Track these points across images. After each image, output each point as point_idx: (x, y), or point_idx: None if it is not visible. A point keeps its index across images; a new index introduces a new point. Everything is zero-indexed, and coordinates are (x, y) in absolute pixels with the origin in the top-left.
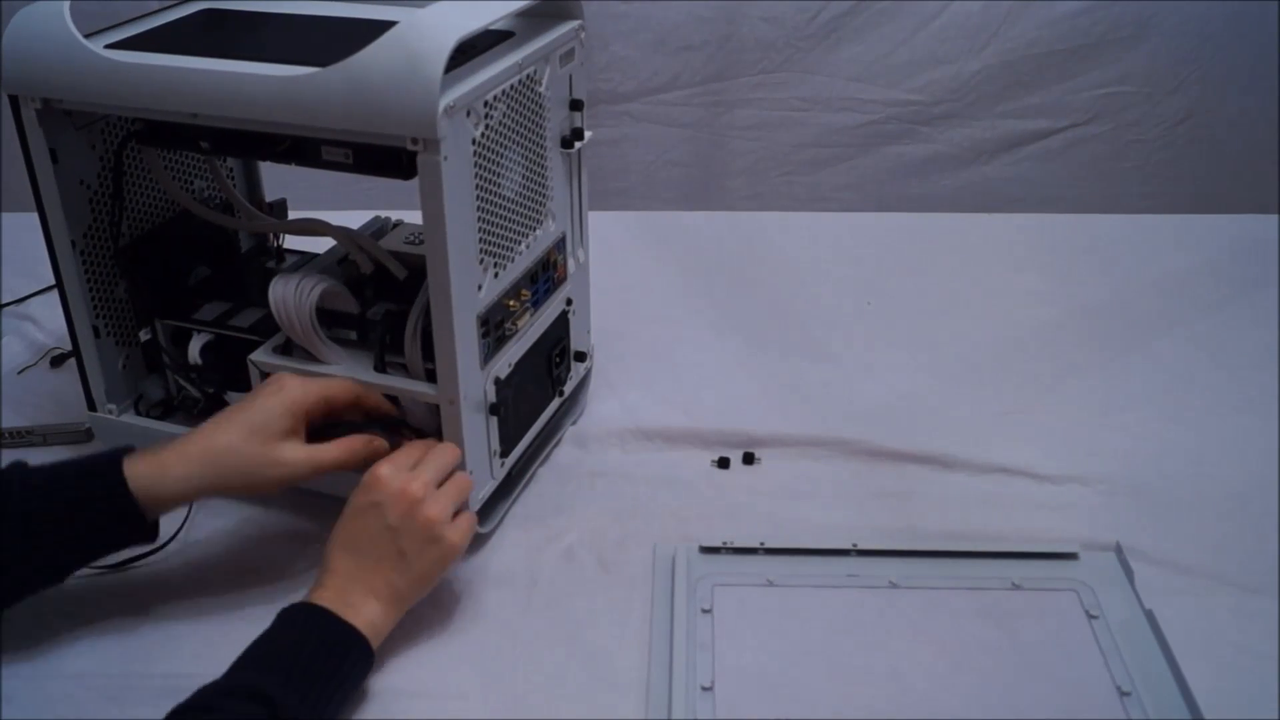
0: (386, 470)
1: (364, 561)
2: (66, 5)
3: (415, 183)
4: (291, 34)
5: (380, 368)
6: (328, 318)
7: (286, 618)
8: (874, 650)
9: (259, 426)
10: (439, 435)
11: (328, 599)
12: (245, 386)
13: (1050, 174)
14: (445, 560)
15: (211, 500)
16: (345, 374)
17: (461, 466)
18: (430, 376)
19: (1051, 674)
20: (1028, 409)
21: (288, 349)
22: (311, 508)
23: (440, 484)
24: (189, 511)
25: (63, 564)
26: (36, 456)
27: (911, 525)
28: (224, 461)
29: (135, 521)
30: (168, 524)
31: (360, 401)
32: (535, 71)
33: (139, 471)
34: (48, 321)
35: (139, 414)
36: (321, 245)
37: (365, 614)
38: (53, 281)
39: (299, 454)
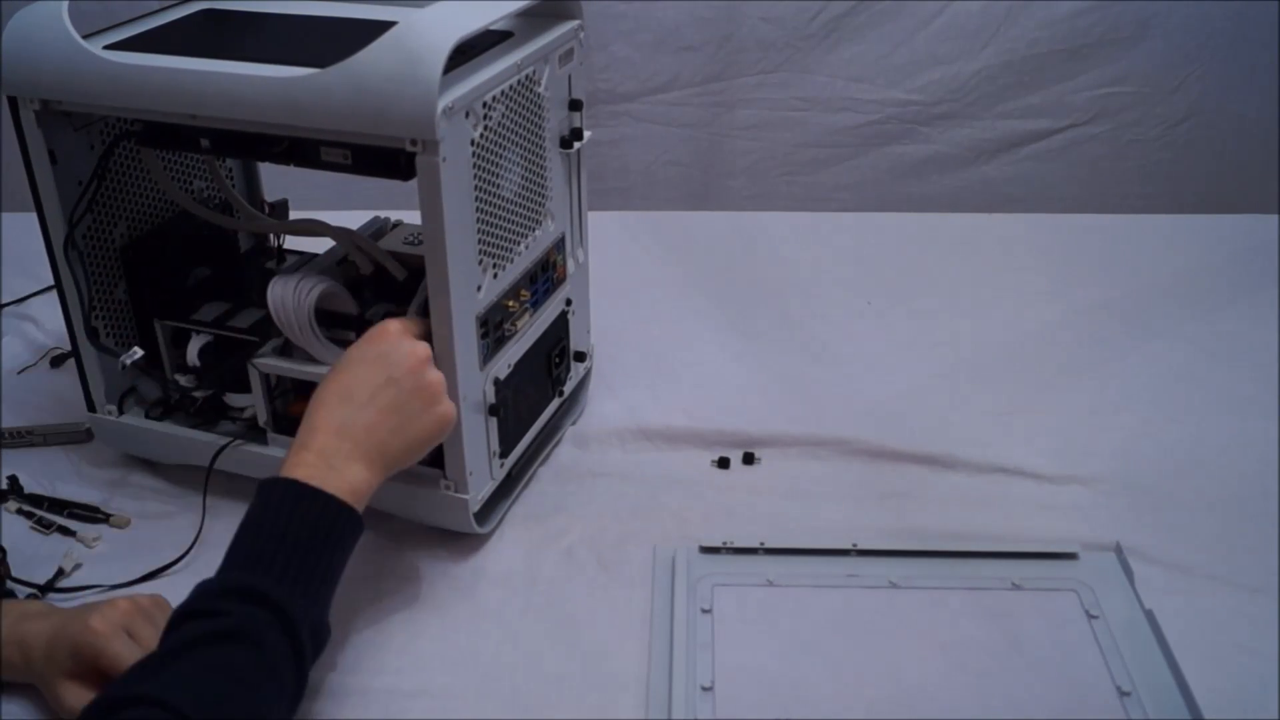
0: (397, 326)
1: (359, 415)
2: (65, 6)
3: (414, 183)
4: (291, 34)
5: None
6: (327, 319)
7: (270, 497)
8: (874, 650)
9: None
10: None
11: (309, 466)
12: (244, 387)
13: (1050, 174)
14: (441, 428)
15: (223, 506)
16: None
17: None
18: None
19: (1051, 674)
20: (1028, 409)
21: (287, 350)
22: None
23: None
24: (199, 530)
25: None
26: (36, 457)
27: (911, 525)
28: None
29: None
30: (179, 540)
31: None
32: (534, 72)
33: None
34: (48, 321)
35: (121, 413)
36: (321, 245)
37: (349, 478)
38: (53, 281)
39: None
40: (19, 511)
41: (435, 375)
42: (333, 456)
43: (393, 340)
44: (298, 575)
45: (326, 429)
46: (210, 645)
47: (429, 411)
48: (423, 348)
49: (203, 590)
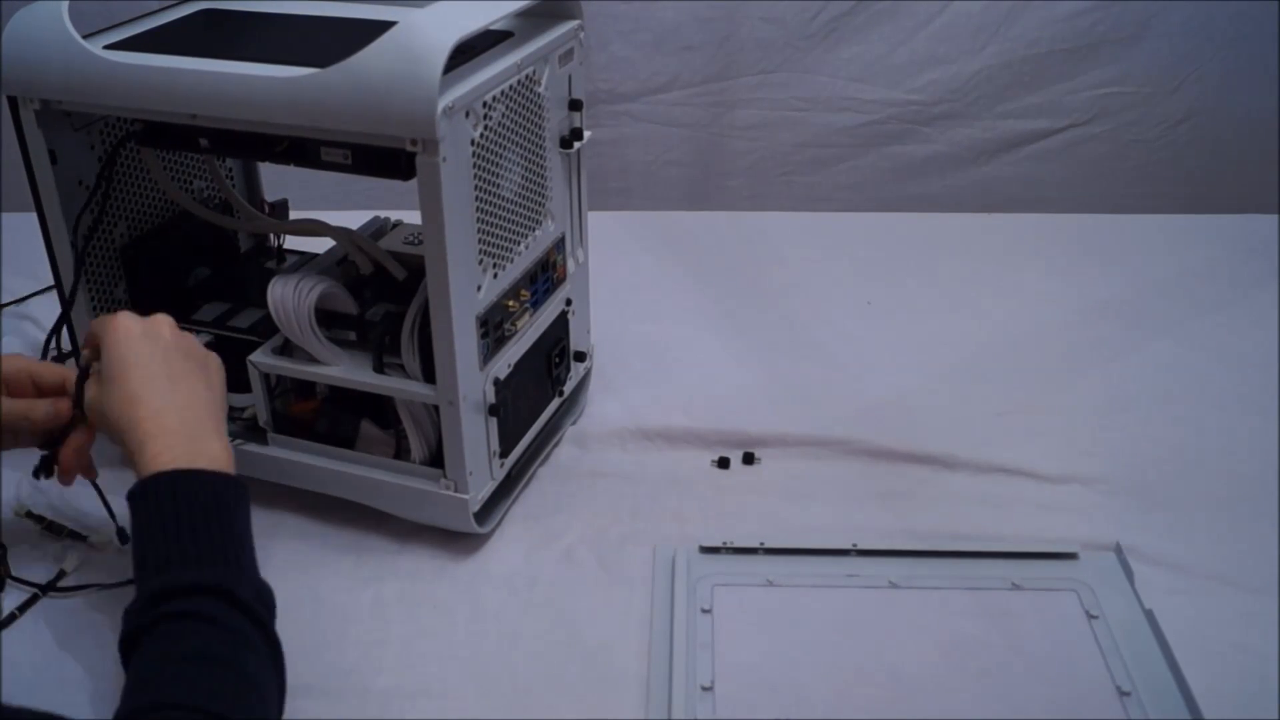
0: (128, 318)
1: (176, 399)
2: (65, 6)
3: (414, 183)
4: (291, 34)
5: (379, 369)
6: (327, 319)
7: (153, 496)
8: (874, 650)
9: None
10: (438, 435)
11: (173, 452)
12: (245, 388)
13: (1050, 174)
14: (220, 369)
15: None
16: (344, 375)
17: None
18: (428, 377)
19: (1051, 674)
20: (1028, 409)
21: (287, 350)
22: (317, 507)
23: None
24: None
25: None
26: (36, 456)
27: (911, 525)
28: None
29: None
30: None
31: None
32: (534, 72)
33: None
34: (48, 321)
35: None
36: (322, 245)
37: (213, 451)
38: (53, 281)
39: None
40: (28, 515)
41: (185, 334)
42: (194, 440)
43: (139, 327)
44: (214, 556)
45: (165, 422)
46: (178, 642)
47: (208, 362)
48: (162, 317)
49: (135, 610)
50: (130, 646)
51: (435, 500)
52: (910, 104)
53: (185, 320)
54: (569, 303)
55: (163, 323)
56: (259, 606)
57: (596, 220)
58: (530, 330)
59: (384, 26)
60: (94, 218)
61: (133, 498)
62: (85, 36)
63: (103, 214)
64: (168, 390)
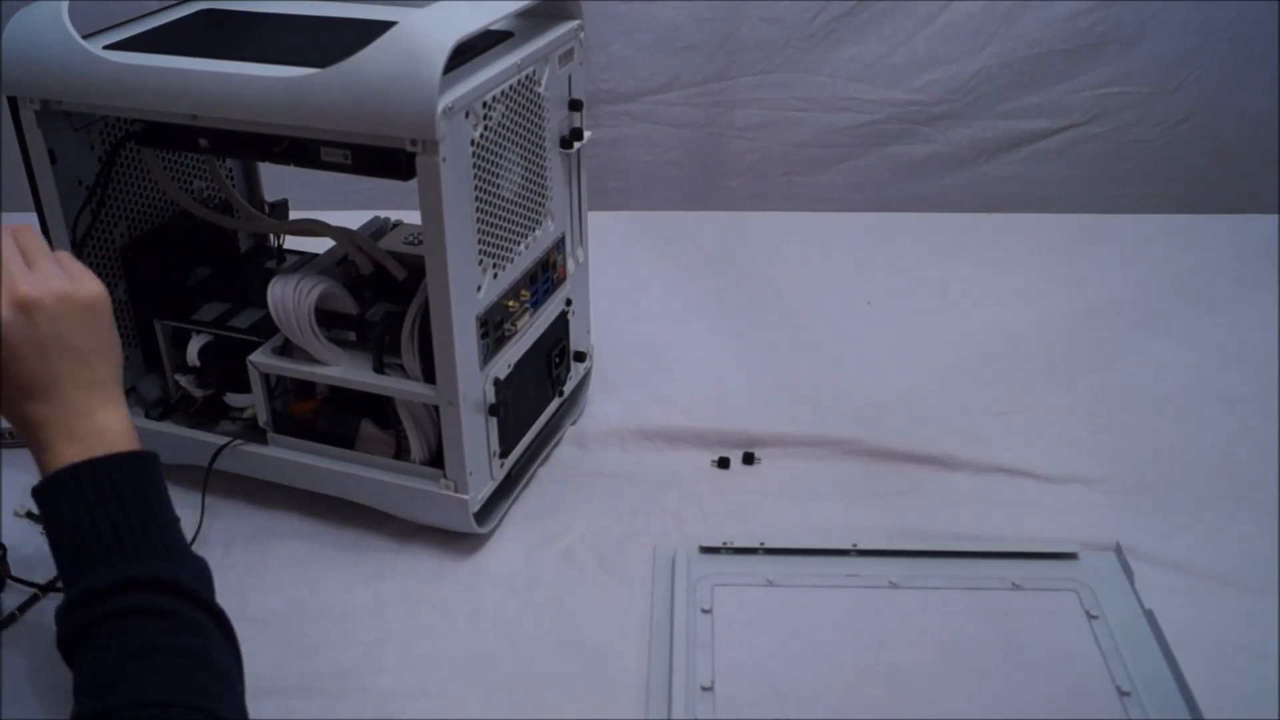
0: (28, 287)
1: (75, 378)
2: (65, 6)
3: (414, 183)
4: (291, 34)
5: (379, 369)
6: (327, 319)
7: (64, 494)
8: (874, 650)
9: None
10: (438, 433)
11: (82, 447)
12: (245, 388)
13: (1050, 174)
14: (108, 316)
15: (222, 506)
16: (344, 375)
17: None
18: (428, 377)
19: (1051, 674)
20: (1028, 409)
21: (287, 350)
22: (317, 507)
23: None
24: (197, 530)
25: None
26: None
27: (911, 525)
28: None
29: None
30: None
31: None
32: (534, 72)
33: None
34: None
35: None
36: (322, 246)
37: (114, 428)
38: None
39: None
40: (29, 515)
41: (81, 289)
42: (92, 430)
43: (41, 301)
44: (146, 543)
45: (65, 421)
46: (134, 638)
47: (99, 320)
48: (58, 280)
49: (72, 609)
50: (72, 647)
51: (435, 500)
52: (910, 104)
53: (185, 320)
54: (569, 303)
55: (48, 282)
56: (202, 588)
57: (596, 220)
58: (530, 330)
59: (384, 26)
60: (93, 217)
61: (42, 496)
62: (85, 36)
63: (102, 213)
64: (63, 377)
